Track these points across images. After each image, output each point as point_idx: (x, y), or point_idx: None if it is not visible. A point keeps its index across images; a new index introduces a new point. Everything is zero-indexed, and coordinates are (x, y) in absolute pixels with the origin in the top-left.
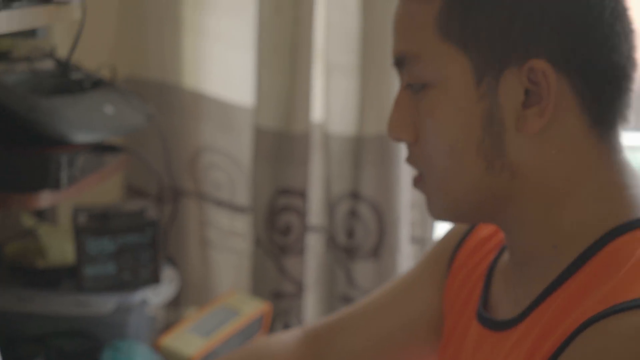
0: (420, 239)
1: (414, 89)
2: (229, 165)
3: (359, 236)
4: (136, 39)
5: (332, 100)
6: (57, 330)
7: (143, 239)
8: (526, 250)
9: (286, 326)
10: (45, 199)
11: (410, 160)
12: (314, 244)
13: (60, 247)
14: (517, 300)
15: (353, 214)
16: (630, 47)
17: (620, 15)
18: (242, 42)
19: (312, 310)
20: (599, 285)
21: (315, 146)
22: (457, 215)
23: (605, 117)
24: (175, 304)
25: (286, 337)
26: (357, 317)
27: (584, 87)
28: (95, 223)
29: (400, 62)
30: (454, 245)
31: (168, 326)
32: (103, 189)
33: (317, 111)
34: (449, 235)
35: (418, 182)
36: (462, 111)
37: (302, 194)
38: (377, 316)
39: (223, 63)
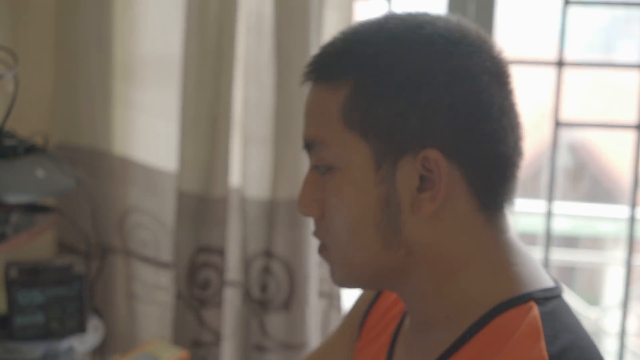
0: (328, 294)
1: (321, 171)
2: (154, 224)
3: (272, 290)
4: (69, 109)
5: (249, 167)
6: None
7: (70, 291)
8: (423, 318)
9: None
10: None
11: (317, 233)
12: (231, 297)
13: None
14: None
15: (266, 270)
16: (516, 139)
17: (507, 110)
18: (167, 113)
19: (228, 358)
20: (484, 359)
21: (232, 209)
22: (357, 284)
23: (492, 201)
24: (101, 352)
25: None
26: None
27: (473, 174)
28: (26, 276)
29: (309, 146)
30: (364, 309)
31: None
32: (35, 245)
33: (235, 177)
34: (360, 299)
35: (322, 252)
36: (363, 193)
37: (221, 252)
38: None
39: (149, 132)
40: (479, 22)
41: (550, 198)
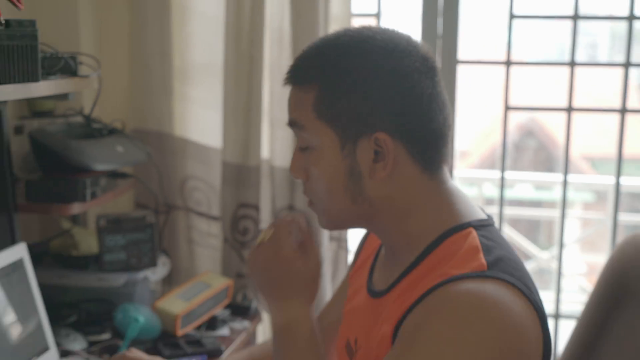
0: (337, 238)
1: (302, 149)
2: (205, 187)
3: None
4: (140, 102)
5: (275, 144)
6: (86, 298)
7: (144, 236)
8: (390, 246)
9: (244, 296)
10: (76, 208)
11: (305, 192)
12: None
13: (88, 242)
14: (387, 279)
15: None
16: (445, 116)
17: (435, 97)
18: (213, 105)
19: None
20: (438, 268)
21: (264, 175)
22: (336, 227)
23: (430, 164)
24: (168, 281)
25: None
26: (324, 308)
27: (412, 147)
28: (111, 225)
29: (291, 124)
30: (358, 246)
31: (162, 294)
32: (118, 202)
33: (265, 151)
34: (359, 242)
35: (310, 205)
36: (333, 166)
37: (256, 207)
38: (331, 306)
39: (200, 118)
40: (445, 31)
41: (502, 168)
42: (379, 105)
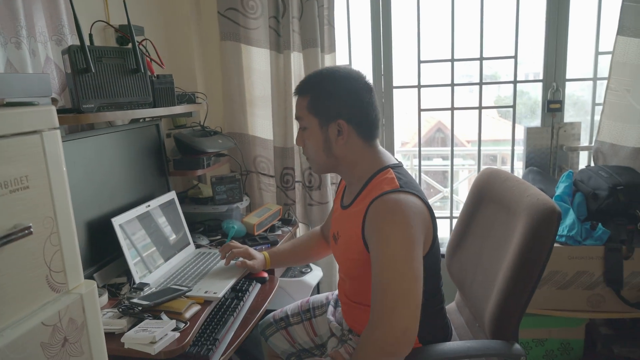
0: (336, 183)
1: (302, 130)
2: (266, 161)
3: (313, 182)
4: (230, 117)
5: None
6: (207, 218)
7: (235, 186)
8: (349, 182)
9: (289, 215)
10: (199, 172)
11: (303, 152)
12: (297, 186)
13: (206, 190)
14: (349, 199)
15: (310, 175)
16: (376, 114)
17: (372, 102)
18: (267, 117)
19: (298, 210)
20: (374, 190)
21: (295, 152)
22: (320, 172)
23: (368, 138)
24: (248, 208)
25: (311, 231)
26: (328, 217)
27: (359, 128)
28: (218, 180)
29: (296, 117)
30: (338, 185)
31: (246, 214)
32: (221, 169)
33: (294, 139)
34: (338, 183)
35: (307, 160)
36: (316, 139)
37: (293, 169)
38: (329, 217)
39: (261, 125)
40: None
41: (419, 150)
42: (341, 106)
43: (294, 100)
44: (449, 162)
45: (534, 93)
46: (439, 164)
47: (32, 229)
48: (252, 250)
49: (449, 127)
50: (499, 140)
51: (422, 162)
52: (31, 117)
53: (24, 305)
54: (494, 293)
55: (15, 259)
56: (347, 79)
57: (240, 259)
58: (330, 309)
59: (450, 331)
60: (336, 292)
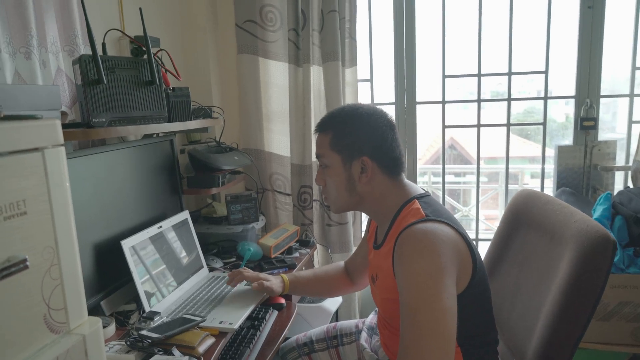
0: (352, 221)
1: (322, 167)
2: (282, 178)
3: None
4: (247, 132)
5: None
6: (221, 239)
7: (251, 205)
8: (377, 219)
9: (306, 235)
10: (214, 191)
11: (322, 192)
12: (315, 205)
13: (221, 209)
14: (381, 237)
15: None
16: (400, 150)
17: (395, 139)
18: (284, 133)
19: (316, 230)
20: (401, 226)
21: (314, 169)
22: (340, 211)
23: (394, 173)
24: (264, 228)
25: (335, 264)
26: (354, 254)
27: (384, 166)
28: (233, 199)
29: (317, 156)
30: (367, 224)
31: (262, 235)
32: (236, 187)
33: (313, 156)
34: (367, 222)
35: (325, 200)
36: (339, 177)
37: (310, 187)
38: (359, 250)
39: (278, 141)
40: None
41: (443, 168)
42: (365, 143)
43: (314, 138)
44: (460, 179)
45: (554, 110)
46: (451, 180)
47: (28, 263)
48: (265, 275)
49: (461, 143)
50: (513, 158)
51: (433, 179)
52: (31, 132)
53: (17, 350)
54: (538, 327)
55: (7, 296)
56: (370, 115)
57: (256, 282)
58: (364, 335)
59: None
60: (367, 319)
